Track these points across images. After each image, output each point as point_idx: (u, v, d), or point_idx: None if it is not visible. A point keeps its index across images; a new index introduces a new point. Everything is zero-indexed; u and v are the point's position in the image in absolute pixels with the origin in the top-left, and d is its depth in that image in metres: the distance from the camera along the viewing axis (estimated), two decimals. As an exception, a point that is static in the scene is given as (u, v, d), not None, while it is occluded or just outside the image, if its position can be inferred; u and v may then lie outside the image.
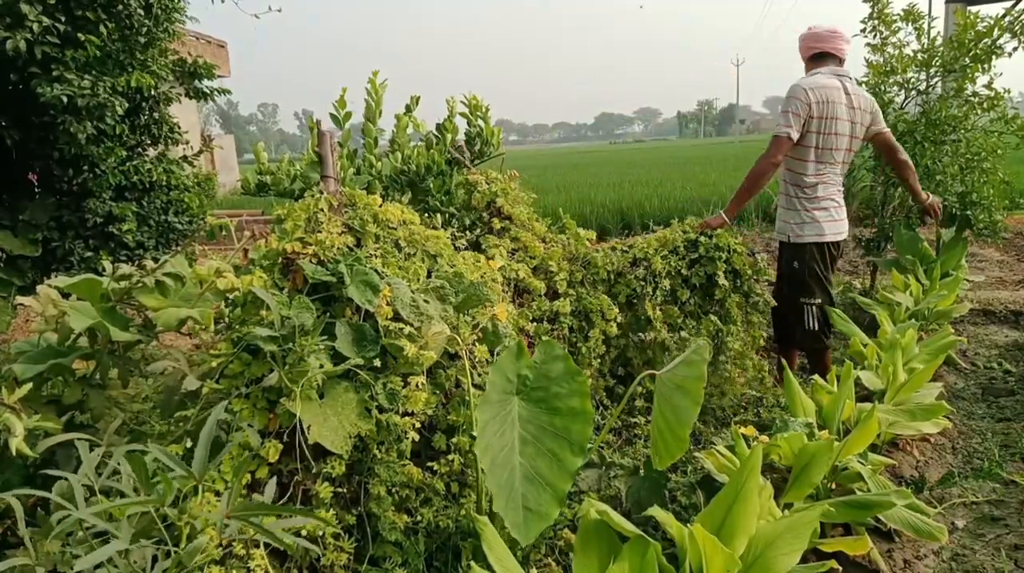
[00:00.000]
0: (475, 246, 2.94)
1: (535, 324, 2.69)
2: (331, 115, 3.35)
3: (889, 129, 3.49)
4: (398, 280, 1.93)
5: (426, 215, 3.20)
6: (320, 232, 1.95)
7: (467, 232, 3.05)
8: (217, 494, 1.58)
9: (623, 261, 3.07)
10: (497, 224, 3.01)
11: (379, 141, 3.70)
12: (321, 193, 2.04)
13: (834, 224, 3.26)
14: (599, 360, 2.93)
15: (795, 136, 3.08)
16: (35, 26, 3.29)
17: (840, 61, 3.26)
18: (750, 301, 3.21)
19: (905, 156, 3.55)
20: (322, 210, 1.99)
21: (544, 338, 2.64)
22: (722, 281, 3.09)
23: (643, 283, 3.03)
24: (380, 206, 2.11)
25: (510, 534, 1.74)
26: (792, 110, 3.08)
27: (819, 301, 3.28)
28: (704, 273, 3.11)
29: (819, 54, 3.24)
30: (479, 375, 2.03)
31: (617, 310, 2.92)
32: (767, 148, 3.14)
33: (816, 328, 3.29)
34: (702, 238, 3.14)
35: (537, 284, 2.75)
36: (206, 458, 1.33)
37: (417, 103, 3.74)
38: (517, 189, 3.16)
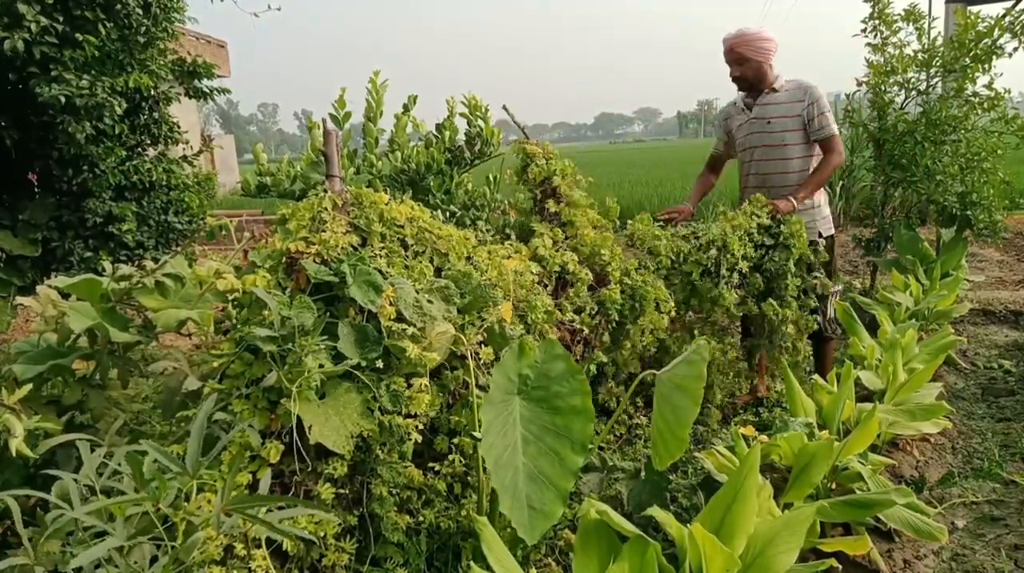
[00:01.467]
0: (519, 238, 2.83)
1: (579, 315, 2.56)
2: (331, 115, 3.34)
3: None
4: (402, 280, 1.93)
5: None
6: (324, 231, 1.94)
7: (474, 227, 3.00)
8: (217, 494, 1.58)
9: (689, 248, 2.98)
10: (552, 206, 2.82)
11: (379, 141, 3.70)
12: (325, 192, 2.03)
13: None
14: (643, 347, 2.86)
15: None
16: (33, 26, 3.28)
17: None
18: (806, 284, 3.23)
19: None
20: (326, 209, 1.98)
21: (584, 329, 2.56)
22: (791, 266, 3.10)
23: (716, 264, 2.95)
24: (386, 204, 2.09)
25: (510, 534, 1.74)
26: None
27: (840, 289, 3.39)
28: (777, 259, 3.11)
29: None
30: (484, 376, 2.02)
31: (673, 304, 2.81)
32: (838, 146, 3.22)
33: (835, 316, 3.41)
34: (782, 227, 3.12)
35: (583, 275, 2.61)
36: (198, 453, 1.33)
37: (414, 102, 3.73)
38: (574, 170, 2.95)
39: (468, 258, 2.23)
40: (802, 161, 3.28)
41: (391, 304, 1.85)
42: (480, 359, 2.02)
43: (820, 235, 3.33)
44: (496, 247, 2.44)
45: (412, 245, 2.13)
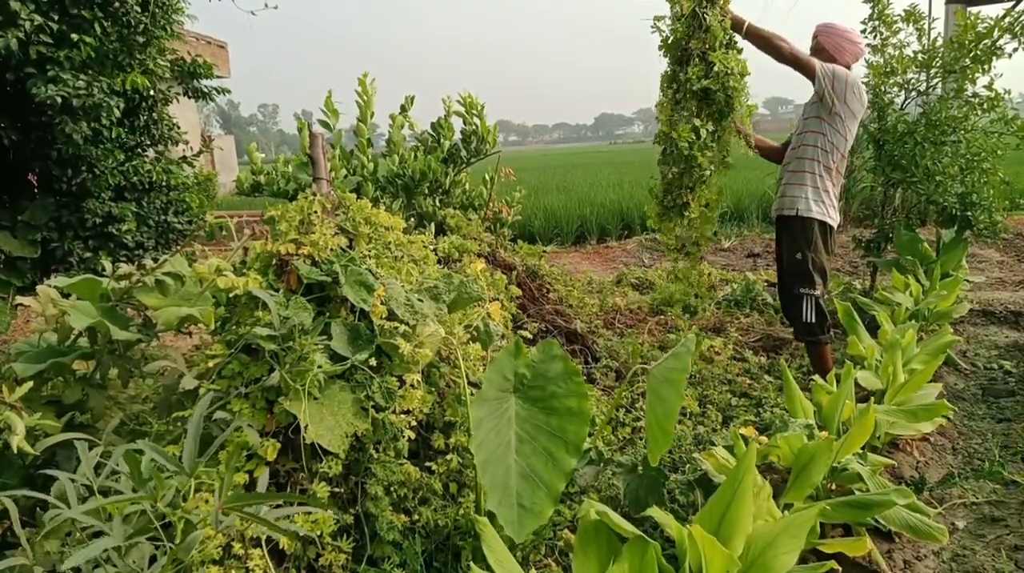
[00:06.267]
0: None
1: None
2: (319, 121, 3.34)
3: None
4: (392, 280, 1.94)
5: (421, 222, 3.20)
6: (313, 233, 1.95)
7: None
8: (214, 493, 1.58)
9: None
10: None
11: (375, 142, 3.70)
12: (314, 195, 2.04)
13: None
14: None
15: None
16: (27, 24, 3.28)
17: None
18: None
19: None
20: (315, 212, 1.99)
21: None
22: None
23: None
24: (369, 209, 2.12)
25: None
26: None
27: (817, 293, 3.25)
28: None
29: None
30: (473, 374, 2.03)
31: None
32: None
33: (813, 320, 3.25)
34: None
35: None
36: (195, 452, 1.32)
37: (411, 103, 3.73)
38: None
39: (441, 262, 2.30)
40: (812, 148, 3.28)
41: (383, 303, 1.86)
42: (469, 357, 2.03)
43: (797, 213, 3.24)
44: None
45: (393, 250, 2.16)
